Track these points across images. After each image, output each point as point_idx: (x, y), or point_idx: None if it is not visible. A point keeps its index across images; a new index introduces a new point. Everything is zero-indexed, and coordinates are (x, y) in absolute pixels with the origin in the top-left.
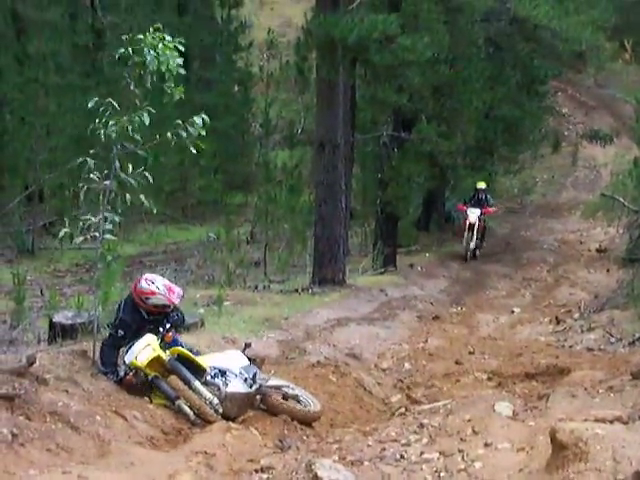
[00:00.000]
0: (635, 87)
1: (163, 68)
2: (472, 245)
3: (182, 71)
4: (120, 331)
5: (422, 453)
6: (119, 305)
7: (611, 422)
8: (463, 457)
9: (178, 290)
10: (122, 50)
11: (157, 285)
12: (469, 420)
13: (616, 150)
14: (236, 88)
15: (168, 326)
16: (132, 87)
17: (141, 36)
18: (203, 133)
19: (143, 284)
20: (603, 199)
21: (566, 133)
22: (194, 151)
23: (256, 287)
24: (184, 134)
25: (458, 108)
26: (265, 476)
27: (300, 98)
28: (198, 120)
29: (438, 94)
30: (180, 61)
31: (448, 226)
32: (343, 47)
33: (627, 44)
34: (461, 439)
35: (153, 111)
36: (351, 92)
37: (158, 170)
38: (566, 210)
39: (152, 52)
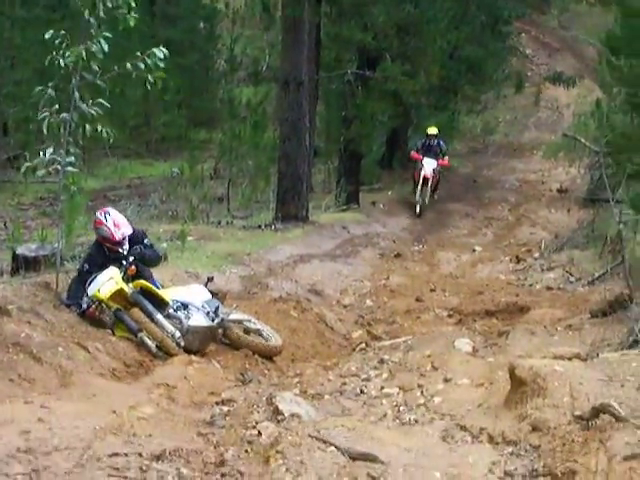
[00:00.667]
0: (599, 29)
1: None
2: (426, 200)
3: None
4: (85, 265)
5: (382, 388)
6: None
7: (569, 359)
8: (422, 392)
9: (125, 229)
10: None
11: (107, 218)
12: (429, 356)
13: (579, 91)
14: (201, 24)
15: (131, 259)
16: (86, 16)
17: None
18: (162, 65)
19: (98, 214)
20: (565, 139)
21: (529, 74)
22: (152, 83)
23: (219, 222)
24: (142, 66)
25: (422, 47)
26: (226, 408)
27: (265, 35)
28: (158, 52)
29: (403, 33)
30: None
31: (411, 164)
32: None
33: None
34: (421, 374)
35: (109, 36)
36: (316, 30)
37: (122, 104)
38: (528, 150)
39: None
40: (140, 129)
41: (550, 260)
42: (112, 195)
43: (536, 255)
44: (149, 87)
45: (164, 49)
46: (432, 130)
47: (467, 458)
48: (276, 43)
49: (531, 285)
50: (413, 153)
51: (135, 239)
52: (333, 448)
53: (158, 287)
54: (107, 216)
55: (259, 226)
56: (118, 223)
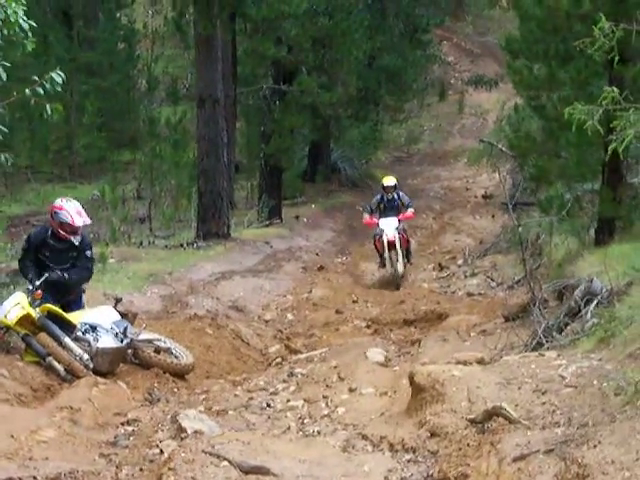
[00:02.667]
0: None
1: (12, 19)
2: (400, 268)
3: (30, 24)
4: (24, 244)
5: (288, 401)
6: None
7: (470, 364)
8: (327, 403)
9: (86, 219)
10: None
11: (68, 204)
12: (335, 367)
13: (500, 96)
14: (120, 46)
15: (38, 283)
16: None
17: None
18: (59, 89)
19: (57, 201)
20: (486, 146)
21: (452, 81)
22: (49, 114)
23: (141, 243)
24: (42, 91)
25: (338, 59)
26: (130, 429)
27: (186, 54)
28: (56, 76)
29: (318, 46)
30: (21, 12)
31: (334, 177)
32: (219, 1)
33: None
34: (327, 386)
35: (7, 64)
36: (231, 46)
37: (43, 129)
38: (453, 157)
39: None
40: (62, 153)
41: (474, 266)
42: (35, 220)
43: (460, 262)
44: (45, 116)
45: (61, 72)
46: (388, 181)
47: (363, 467)
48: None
49: (453, 292)
50: (366, 218)
51: (81, 244)
52: (226, 462)
53: (83, 306)
54: (68, 202)
55: (181, 245)
56: (80, 211)
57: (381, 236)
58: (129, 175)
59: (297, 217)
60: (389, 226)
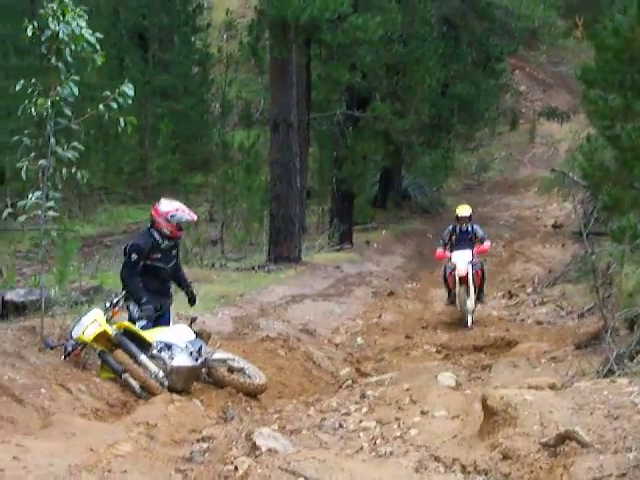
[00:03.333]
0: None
1: (77, 32)
2: (469, 305)
3: (96, 37)
4: (133, 255)
5: (360, 421)
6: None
7: (542, 389)
8: (399, 425)
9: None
10: (27, 24)
11: (177, 204)
12: (407, 389)
13: (573, 126)
14: (195, 69)
15: (115, 301)
16: (53, 61)
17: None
18: (130, 102)
19: (164, 205)
20: (557, 175)
21: (524, 110)
22: (123, 127)
23: (213, 265)
24: (115, 106)
25: (412, 86)
26: (205, 445)
27: (260, 78)
28: (128, 90)
29: (392, 72)
30: (84, 24)
31: (405, 203)
32: (295, 27)
33: (578, 21)
34: (399, 408)
35: (77, 79)
36: (306, 71)
37: (117, 151)
38: (523, 187)
39: (57, 22)
40: (136, 175)
41: (543, 295)
42: (108, 240)
43: (529, 290)
44: (120, 130)
45: (132, 86)
46: (463, 211)
47: None
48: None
49: (522, 320)
50: (438, 251)
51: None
52: (302, 479)
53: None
54: (174, 203)
55: (252, 267)
56: (186, 208)
57: (453, 270)
58: (201, 198)
59: (367, 242)
60: (462, 260)
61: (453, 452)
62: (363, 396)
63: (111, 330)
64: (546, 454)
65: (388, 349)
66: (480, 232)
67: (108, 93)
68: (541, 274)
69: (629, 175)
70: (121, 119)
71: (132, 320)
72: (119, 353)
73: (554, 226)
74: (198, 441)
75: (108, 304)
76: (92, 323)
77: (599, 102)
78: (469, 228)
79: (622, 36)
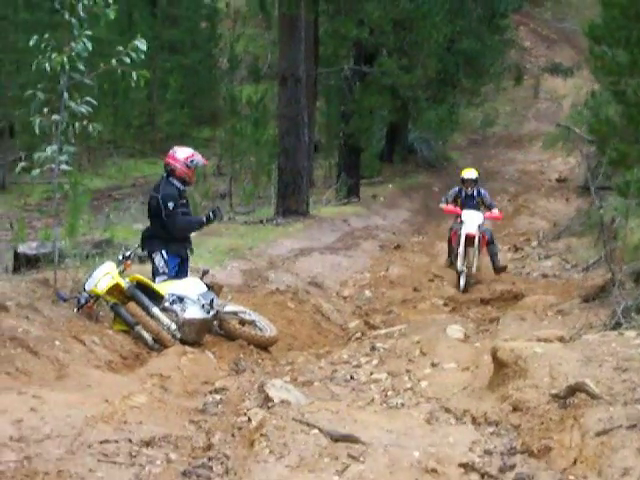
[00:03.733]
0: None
1: None
2: (473, 268)
3: None
4: (170, 204)
5: (371, 374)
6: (152, 196)
7: (551, 341)
8: (410, 377)
9: None
10: None
11: (191, 149)
12: (418, 342)
13: (577, 82)
14: (203, 24)
15: (128, 254)
16: (67, 16)
17: None
18: (143, 57)
19: (180, 152)
20: (562, 130)
21: (528, 66)
22: (136, 81)
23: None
24: (128, 60)
25: (418, 42)
26: (218, 397)
27: (267, 34)
28: (140, 44)
29: (399, 28)
30: None
31: (411, 158)
32: None
33: None
34: (409, 360)
35: (90, 34)
36: (314, 27)
37: (126, 105)
38: (527, 141)
39: None
40: (144, 129)
41: (548, 248)
42: (117, 194)
43: (534, 244)
44: (133, 84)
45: (144, 41)
46: (468, 173)
47: (448, 438)
48: (277, 41)
49: (528, 273)
50: (446, 206)
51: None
52: (316, 430)
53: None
54: (187, 149)
55: (260, 221)
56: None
57: (458, 229)
58: (210, 151)
59: (374, 196)
60: (472, 220)
61: (463, 404)
62: (373, 348)
63: (124, 283)
64: (556, 405)
65: (396, 302)
66: (488, 198)
67: (121, 48)
68: (546, 228)
69: (635, 130)
70: (134, 73)
71: (155, 273)
72: (132, 305)
73: (558, 180)
74: (211, 393)
75: (121, 257)
76: (105, 276)
77: (605, 58)
78: (475, 192)
79: None
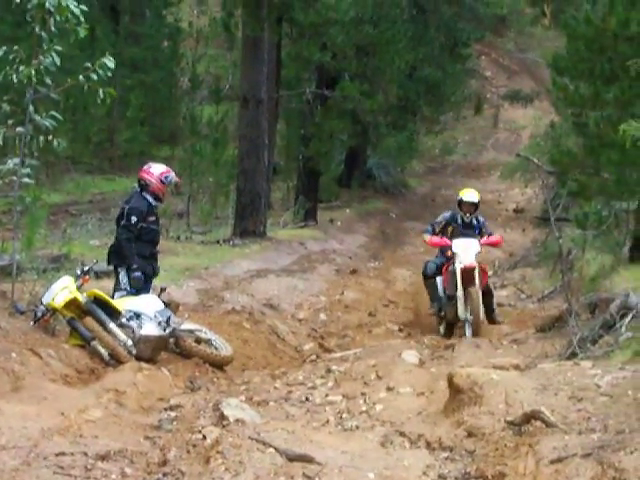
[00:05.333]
0: (553, 52)
1: (63, 3)
2: (480, 312)
3: (81, 9)
4: (133, 218)
5: (327, 396)
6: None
7: (507, 369)
8: (365, 400)
9: None
10: None
11: (164, 166)
12: (374, 366)
13: (536, 113)
14: (165, 43)
15: (86, 269)
16: (37, 30)
17: None
18: (110, 75)
19: (155, 167)
20: (520, 160)
21: (488, 96)
22: (102, 99)
23: (178, 237)
24: (95, 77)
25: (381, 67)
26: (173, 414)
27: (229, 54)
28: (108, 62)
29: (361, 53)
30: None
31: (369, 183)
32: (268, 5)
33: (547, 9)
34: (365, 383)
35: (60, 49)
36: (277, 49)
37: (86, 121)
38: (486, 171)
39: None
40: (103, 145)
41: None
42: (74, 210)
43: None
44: (99, 102)
45: (112, 59)
46: (469, 195)
47: (403, 462)
48: (239, 62)
49: None
50: (431, 237)
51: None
52: (272, 449)
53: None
54: (161, 165)
55: (217, 241)
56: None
57: (449, 263)
58: None
59: (332, 220)
60: (467, 249)
61: (418, 428)
62: (329, 371)
63: (82, 297)
64: (511, 432)
65: (351, 326)
66: (488, 229)
67: (89, 65)
68: (502, 258)
69: (595, 162)
70: (100, 90)
71: (116, 288)
72: (88, 320)
73: (515, 211)
74: (166, 409)
75: (79, 271)
76: (62, 290)
77: (568, 89)
78: (474, 221)
79: (594, 25)
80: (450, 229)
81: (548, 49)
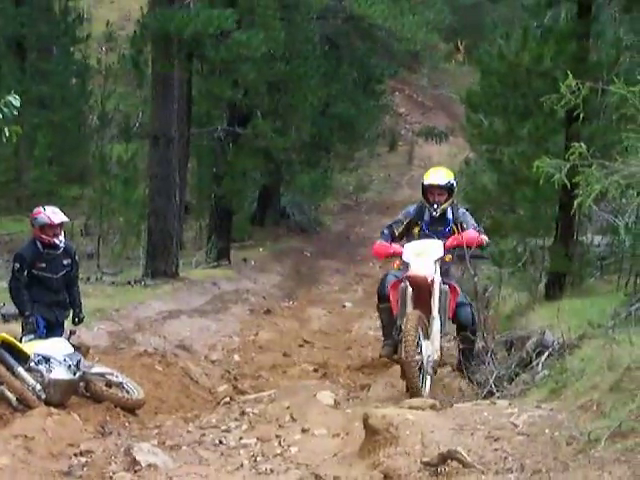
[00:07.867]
0: (467, 88)
1: None
2: (436, 345)
3: None
4: (16, 264)
5: (241, 439)
6: None
7: (423, 409)
8: (280, 442)
9: (62, 216)
10: None
11: (44, 207)
12: (288, 407)
13: (451, 149)
14: (73, 80)
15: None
16: None
17: None
18: (16, 113)
19: (35, 209)
20: None
21: (403, 132)
22: (7, 137)
23: (88, 279)
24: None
25: (293, 104)
26: (84, 460)
27: (139, 91)
28: (14, 101)
29: (273, 90)
30: None
31: (283, 222)
32: (179, 41)
33: (460, 45)
34: (279, 425)
35: None
36: (187, 86)
37: None
38: (401, 208)
39: None
40: (10, 185)
41: None
42: None
43: None
44: (5, 140)
45: (18, 97)
46: (435, 177)
47: None
48: (149, 99)
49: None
50: (379, 244)
51: (69, 249)
52: None
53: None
54: (44, 207)
55: (129, 282)
56: (55, 210)
57: (400, 280)
58: (77, 210)
59: (245, 260)
60: (421, 254)
61: (334, 470)
62: (243, 413)
63: None
64: (427, 473)
65: (265, 367)
66: (470, 220)
67: None
68: None
69: (510, 199)
70: (6, 129)
71: (24, 332)
72: None
73: None
74: (76, 455)
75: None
76: None
77: (482, 125)
78: (449, 212)
79: (507, 61)
80: (416, 230)
81: (462, 85)
